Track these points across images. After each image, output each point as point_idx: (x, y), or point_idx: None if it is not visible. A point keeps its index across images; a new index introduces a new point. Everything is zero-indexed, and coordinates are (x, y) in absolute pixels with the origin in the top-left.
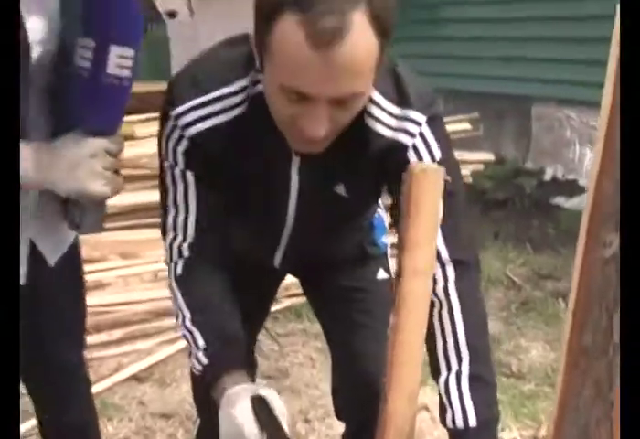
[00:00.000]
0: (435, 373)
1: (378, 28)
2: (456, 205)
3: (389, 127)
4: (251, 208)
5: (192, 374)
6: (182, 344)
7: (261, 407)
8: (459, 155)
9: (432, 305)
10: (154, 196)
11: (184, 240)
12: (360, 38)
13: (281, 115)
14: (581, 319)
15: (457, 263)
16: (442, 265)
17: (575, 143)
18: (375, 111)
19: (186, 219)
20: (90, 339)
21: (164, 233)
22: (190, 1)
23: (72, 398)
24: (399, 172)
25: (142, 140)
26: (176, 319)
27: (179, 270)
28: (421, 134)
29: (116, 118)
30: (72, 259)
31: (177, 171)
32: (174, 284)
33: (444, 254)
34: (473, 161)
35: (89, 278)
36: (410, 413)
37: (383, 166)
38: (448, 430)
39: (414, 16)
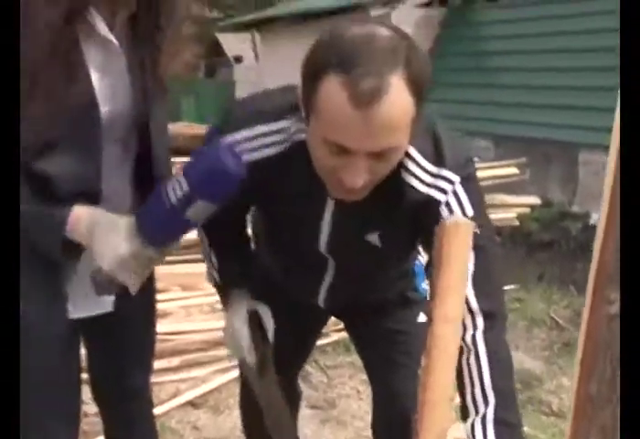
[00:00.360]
0: (464, 416)
1: (413, 90)
2: (487, 259)
3: (424, 183)
4: (285, 243)
5: (241, 404)
6: (235, 373)
7: (253, 318)
8: (506, 198)
9: (462, 351)
10: None
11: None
12: (397, 99)
13: (322, 165)
14: (587, 370)
15: (486, 314)
16: (473, 315)
17: None
18: (411, 166)
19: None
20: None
21: None
22: (256, 46)
23: (139, 419)
24: (432, 226)
25: None
26: (202, 248)
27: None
28: (454, 193)
29: (172, 242)
30: (148, 288)
31: None
32: (201, 228)
33: (474, 305)
34: (519, 204)
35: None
36: None
37: (417, 219)
38: None
39: (469, 64)
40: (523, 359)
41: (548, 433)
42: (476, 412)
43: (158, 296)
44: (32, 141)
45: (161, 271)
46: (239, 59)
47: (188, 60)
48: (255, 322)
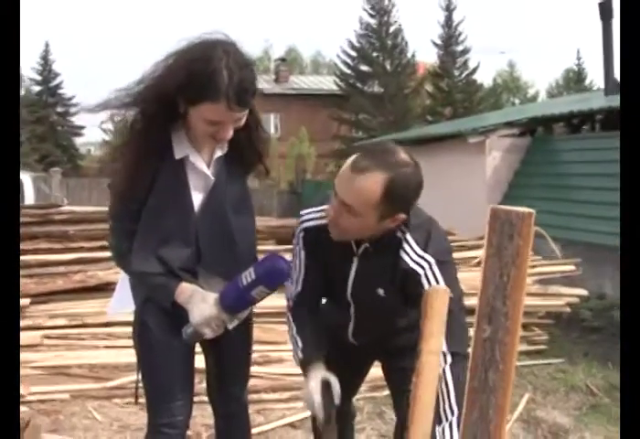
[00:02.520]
0: (439, 422)
1: (386, 189)
2: (454, 318)
3: (412, 259)
4: (331, 285)
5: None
6: None
7: (325, 385)
8: (560, 289)
9: (438, 379)
10: None
11: (296, 288)
12: (370, 182)
13: None
14: (472, 371)
15: (453, 354)
16: (444, 354)
17: None
18: (406, 247)
19: (299, 276)
20: (267, 396)
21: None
22: None
23: (237, 416)
24: (413, 289)
25: None
26: (288, 330)
27: (292, 304)
28: (431, 270)
29: (240, 311)
30: (245, 326)
31: (297, 248)
32: (288, 313)
33: (445, 347)
34: (570, 295)
35: (272, 355)
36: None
37: (408, 283)
38: None
39: (549, 182)
40: (557, 416)
41: None
42: (446, 420)
43: (278, 347)
44: (155, 237)
45: (282, 329)
46: None
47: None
48: (326, 388)
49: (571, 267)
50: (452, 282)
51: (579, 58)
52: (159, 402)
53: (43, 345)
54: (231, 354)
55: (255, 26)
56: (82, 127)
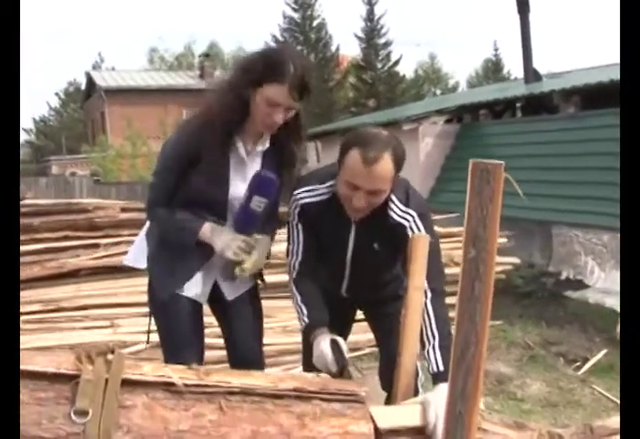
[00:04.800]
0: (422, 346)
1: (394, 162)
2: (433, 259)
3: (398, 215)
4: (327, 252)
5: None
6: (296, 370)
7: (334, 344)
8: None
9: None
10: (285, 277)
11: (296, 259)
12: (385, 165)
13: (343, 195)
14: (462, 284)
15: (432, 290)
16: (425, 290)
17: (582, 253)
18: (392, 206)
19: (297, 248)
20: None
21: (287, 255)
22: (319, 151)
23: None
24: (402, 239)
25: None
26: (292, 301)
27: (294, 276)
28: (414, 221)
29: (250, 228)
30: (250, 297)
31: (294, 223)
32: (292, 283)
33: (426, 285)
34: (503, 263)
35: None
36: (413, 360)
37: (396, 235)
38: (431, 374)
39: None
40: (500, 366)
41: (513, 411)
42: (429, 343)
43: None
44: (190, 198)
45: None
46: (305, 161)
47: None
48: (335, 346)
49: (504, 240)
50: (431, 230)
51: (496, 49)
52: (177, 351)
53: (23, 329)
54: (243, 322)
55: (178, 21)
56: None
